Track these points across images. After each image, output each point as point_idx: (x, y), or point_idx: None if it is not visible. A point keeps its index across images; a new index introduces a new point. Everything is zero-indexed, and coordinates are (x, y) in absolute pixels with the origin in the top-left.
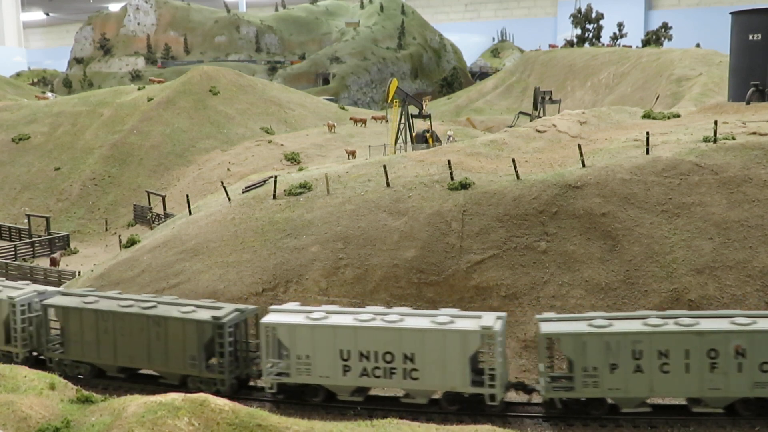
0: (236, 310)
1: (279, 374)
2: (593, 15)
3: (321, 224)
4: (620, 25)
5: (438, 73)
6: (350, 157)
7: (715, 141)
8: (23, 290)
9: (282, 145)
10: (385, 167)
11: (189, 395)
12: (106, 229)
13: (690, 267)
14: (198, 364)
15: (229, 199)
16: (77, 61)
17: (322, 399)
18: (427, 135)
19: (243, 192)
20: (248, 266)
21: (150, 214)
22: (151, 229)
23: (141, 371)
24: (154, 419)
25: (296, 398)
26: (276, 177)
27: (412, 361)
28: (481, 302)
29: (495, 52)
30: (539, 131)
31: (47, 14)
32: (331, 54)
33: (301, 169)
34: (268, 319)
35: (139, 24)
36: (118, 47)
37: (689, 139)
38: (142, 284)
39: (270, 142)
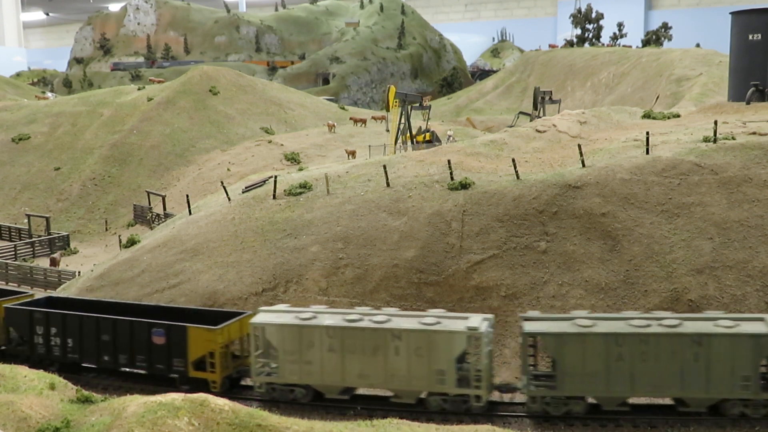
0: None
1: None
2: (593, 15)
3: (321, 224)
4: (620, 25)
5: (438, 73)
6: (350, 157)
7: (715, 141)
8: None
9: (282, 145)
10: (385, 167)
11: (189, 395)
12: (106, 229)
13: (690, 267)
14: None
15: (229, 199)
16: (77, 61)
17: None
18: (426, 135)
19: (243, 192)
20: (248, 266)
21: (150, 214)
22: (151, 229)
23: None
24: (154, 419)
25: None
26: (276, 177)
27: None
28: (481, 302)
29: (495, 52)
30: (539, 131)
31: (47, 14)
32: (331, 54)
33: (301, 169)
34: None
35: (139, 24)
36: (118, 47)
37: (689, 139)
38: (142, 284)
39: (270, 142)
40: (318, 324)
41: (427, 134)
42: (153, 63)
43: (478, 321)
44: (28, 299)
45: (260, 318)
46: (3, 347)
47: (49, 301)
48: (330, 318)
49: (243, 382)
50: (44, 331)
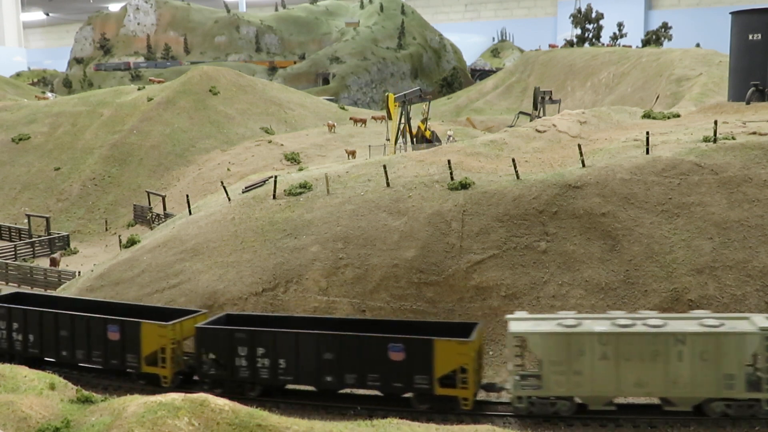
0: None
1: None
2: (593, 15)
3: (321, 224)
4: (620, 25)
5: (438, 73)
6: (350, 157)
7: (715, 141)
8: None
9: (282, 145)
10: (385, 167)
11: (189, 395)
12: (106, 229)
13: (690, 267)
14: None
15: (229, 199)
16: (77, 61)
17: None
18: (422, 126)
19: (243, 192)
20: (248, 266)
21: (150, 214)
22: (151, 229)
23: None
24: (154, 419)
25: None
26: (276, 177)
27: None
28: (481, 302)
29: (495, 52)
30: (539, 131)
31: (47, 14)
32: (331, 54)
33: (301, 169)
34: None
35: (139, 24)
36: (118, 47)
37: (689, 139)
38: (142, 284)
39: (270, 142)
40: (589, 331)
41: (427, 131)
42: (129, 65)
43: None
44: None
45: (519, 327)
46: None
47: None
48: (599, 324)
49: None
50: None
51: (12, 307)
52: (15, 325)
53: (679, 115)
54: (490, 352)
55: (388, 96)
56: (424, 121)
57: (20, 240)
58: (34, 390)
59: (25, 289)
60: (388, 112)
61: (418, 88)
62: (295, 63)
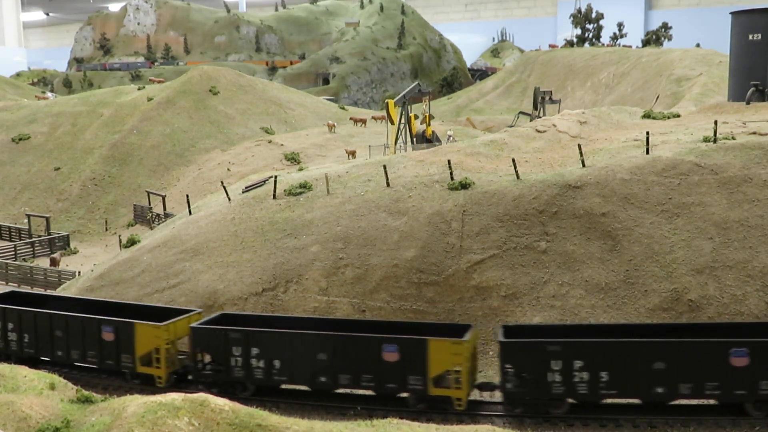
0: None
1: None
2: (593, 15)
3: (321, 224)
4: (620, 25)
5: (438, 73)
6: (350, 157)
7: (715, 141)
8: None
9: (282, 145)
10: (385, 167)
11: (189, 395)
12: (106, 229)
13: (690, 267)
14: None
15: (229, 199)
16: (77, 61)
17: None
18: (429, 130)
19: (243, 192)
20: (248, 266)
21: (150, 214)
22: (151, 229)
23: None
24: (154, 419)
25: None
26: (276, 177)
27: None
28: (481, 302)
29: (495, 52)
30: (539, 131)
31: (47, 14)
32: (331, 54)
33: (301, 169)
34: None
35: (139, 24)
36: (118, 47)
37: (689, 139)
38: (142, 284)
39: (270, 142)
40: None
41: (429, 128)
42: (105, 66)
43: None
44: None
45: None
46: None
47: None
48: None
49: None
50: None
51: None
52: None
53: (679, 115)
54: (490, 352)
55: (387, 103)
56: (428, 119)
57: (20, 240)
58: (34, 390)
59: (25, 289)
60: (390, 118)
61: (416, 83)
62: (291, 63)
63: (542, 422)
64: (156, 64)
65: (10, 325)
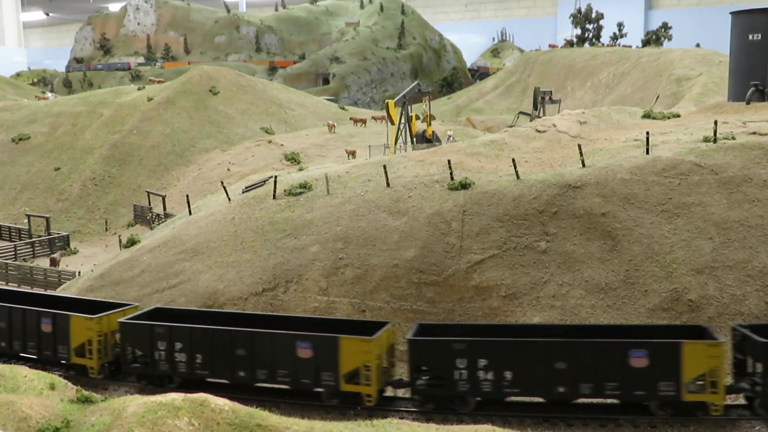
0: None
1: None
2: (593, 15)
3: (321, 224)
4: (620, 25)
5: (438, 73)
6: (350, 157)
7: (715, 141)
8: None
9: (282, 145)
10: (385, 167)
11: (189, 395)
12: (106, 229)
13: (690, 267)
14: None
15: (229, 199)
16: (77, 61)
17: None
18: (429, 130)
19: (243, 192)
20: (248, 266)
21: (150, 214)
22: (151, 229)
23: None
24: (154, 419)
25: None
26: (276, 177)
27: None
28: (481, 302)
29: (495, 52)
30: (539, 131)
31: (47, 14)
32: (331, 54)
33: (301, 169)
34: None
35: (139, 24)
36: (118, 47)
37: (689, 139)
38: (142, 284)
39: (270, 142)
40: None
41: (429, 128)
42: (89, 66)
43: None
44: None
45: None
46: None
47: None
48: None
49: None
50: None
51: None
52: None
53: (679, 115)
54: None
55: (387, 103)
56: (429, 119)
57: (20, 240)
58: (34, 390)
59: (25, 289)
60: (390, 119)
61: (416, 83)
62: (294, 63)
63: (542, 422)
64: (135, 65)
65: None
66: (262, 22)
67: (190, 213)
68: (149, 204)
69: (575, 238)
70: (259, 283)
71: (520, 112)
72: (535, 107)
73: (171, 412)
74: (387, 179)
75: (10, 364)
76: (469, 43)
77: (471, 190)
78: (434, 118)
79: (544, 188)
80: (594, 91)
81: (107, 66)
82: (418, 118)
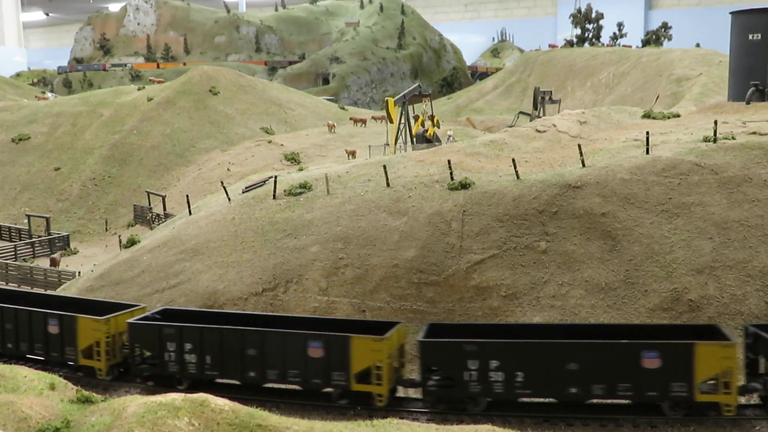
0: None
1: None
2: (593, 15)
3: (321, 224)
4: (620, 25)
5: (438, 73)
6: (350, 157)
7: (715, 141)
8: None
9: (282, 145)
10: (385, 167)
11: (189, 395)
12: (106, 229)
13: (690, 267)
14: None
15: (229, 199)
16: (77, 61)
17: None
18: (431, 129)
19: (243, 192)
20: (248, 266)
21: (150, 214)
22: (151, 229)
23: None
24: (154, 419)
25: None
26: (276, 177)
27: None
28: (481, 302)
29: (495, 52)
30: (539, 131)
31: (47, 14)
32: (331, 54)
33: (301, 169)
34: None
35: (139, 24)
36: (118, 47)
37: (689, 139)
38: (142, 284)
39: (270, 142)
40: None
41: (431, 128)
42: (72, 67)
43: None
44: None
45: None
46: None
47: None
48: None
49: None
50: None
51: None
52: None
53: (679, 115)
54: None
55: (387, 101)
56: (431, 119)
57: (20, 240)
58: (34, 390)
59: (25, 290)
60: (390, 117)
61: (416, 84)
62: (292, 63)
63: (542, 422)
64: (110, 67)
65: None
66: (262, 22)
67: (190, 213)
68: (149, 204)
69: (575, 238)
70: (259, 283)
71: (520, 112)
72: (535, 107)
73: (171, 412)
74: (387, 179)
75: (11, 364)
76: (469, 43)
77: (471, 190)
78: (435, 118)
79: (544, 188)
80: (594, 91)
81: (86, 67)
82: (421, 119)
